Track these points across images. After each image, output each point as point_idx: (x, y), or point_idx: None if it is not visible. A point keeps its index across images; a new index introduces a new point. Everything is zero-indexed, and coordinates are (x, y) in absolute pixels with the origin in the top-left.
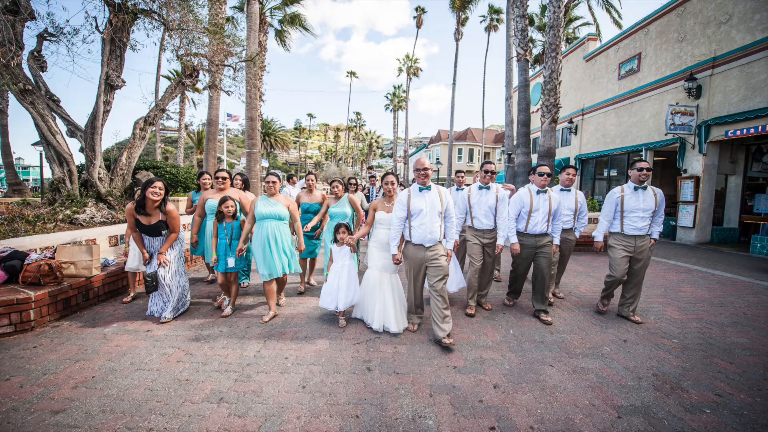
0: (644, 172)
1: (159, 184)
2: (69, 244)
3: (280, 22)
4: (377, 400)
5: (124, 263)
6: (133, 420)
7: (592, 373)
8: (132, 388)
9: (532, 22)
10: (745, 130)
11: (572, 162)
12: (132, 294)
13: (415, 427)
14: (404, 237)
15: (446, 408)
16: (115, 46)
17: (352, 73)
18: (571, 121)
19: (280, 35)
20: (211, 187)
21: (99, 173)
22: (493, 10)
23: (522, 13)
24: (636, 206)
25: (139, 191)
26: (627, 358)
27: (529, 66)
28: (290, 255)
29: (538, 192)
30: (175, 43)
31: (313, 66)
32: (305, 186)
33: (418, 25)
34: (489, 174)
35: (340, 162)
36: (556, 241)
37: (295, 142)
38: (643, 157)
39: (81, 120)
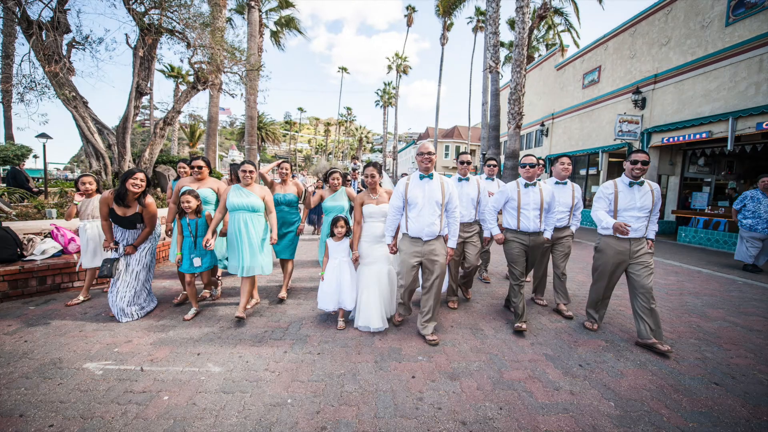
0: (638, 165)
1: (140, 175)
2: None
3: (276, 23)
4: None
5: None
6: (213, 330)
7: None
8: (204, 310)
9: (513, 26)
10: (676, 138)
11: (543, 161)
12: (82, 297)
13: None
14: (401, 228)
15: (412, 326)
16: (144, 59)
17: (344, 69)
18: (542, 124)
19: (275, 36)
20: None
21: (128, 167)
22: (480, 12)
23: (494, 30)
24: (631, 204)
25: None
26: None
27: (500, 77)
28: (261, 252)
29: (527, 185)
30: (190, 54)
31: (304, 58)
32: (278, 175)
33: (409, 24)
34: (465, 164)
35: (330, 156)
36: (547, 235)
37: (284, 135)
38: (600, 159)
39: (102, 117)
